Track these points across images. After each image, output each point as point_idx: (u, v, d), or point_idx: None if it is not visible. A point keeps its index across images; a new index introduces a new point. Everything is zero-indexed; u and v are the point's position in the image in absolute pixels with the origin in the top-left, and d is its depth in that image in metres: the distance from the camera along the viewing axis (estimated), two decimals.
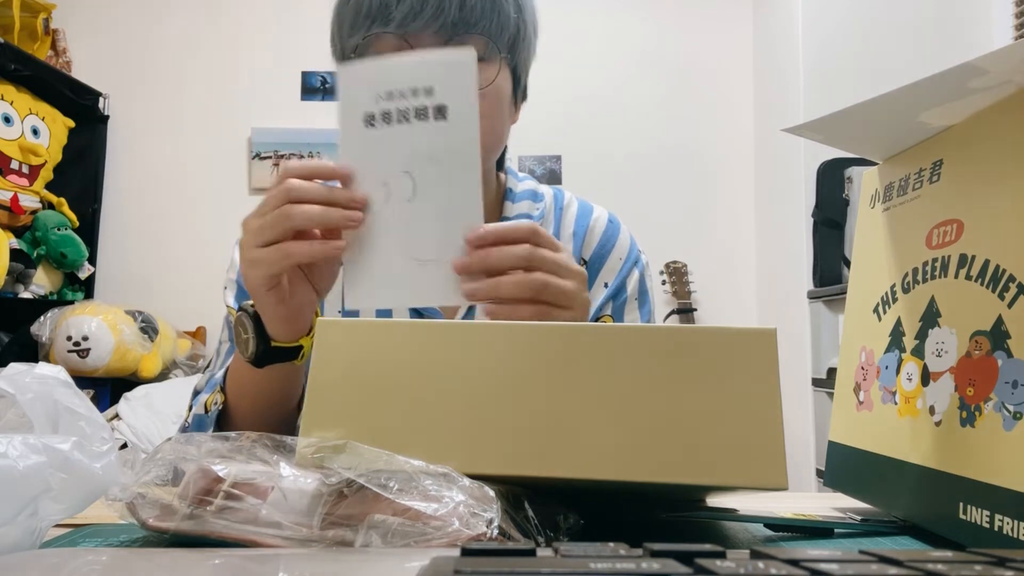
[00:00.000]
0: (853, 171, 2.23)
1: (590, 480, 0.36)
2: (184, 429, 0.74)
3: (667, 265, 2.77)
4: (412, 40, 0.66)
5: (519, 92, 0.77)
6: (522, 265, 0.55)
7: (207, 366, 0.82)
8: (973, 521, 0.39)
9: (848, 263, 2.17)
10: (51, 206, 2.62)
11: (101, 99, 2.87)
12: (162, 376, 2.55)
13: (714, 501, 0.52)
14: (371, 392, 0.38)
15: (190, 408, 0.76)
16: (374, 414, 0.38)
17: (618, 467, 0.36)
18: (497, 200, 0.83)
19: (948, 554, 0.19)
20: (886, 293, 0.50)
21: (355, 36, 0.68)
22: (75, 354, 2.27)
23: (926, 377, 0.44)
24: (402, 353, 0.39)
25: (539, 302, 0.55)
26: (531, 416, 0.37)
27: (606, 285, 0.83)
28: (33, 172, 2.53)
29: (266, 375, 0.65)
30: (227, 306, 0.78)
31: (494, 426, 0.37)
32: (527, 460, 0.36)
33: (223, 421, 0.71)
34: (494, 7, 0.68)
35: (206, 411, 0.71)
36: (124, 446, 2.09)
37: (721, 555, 0.18)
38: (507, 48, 0.71)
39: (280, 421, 0.71)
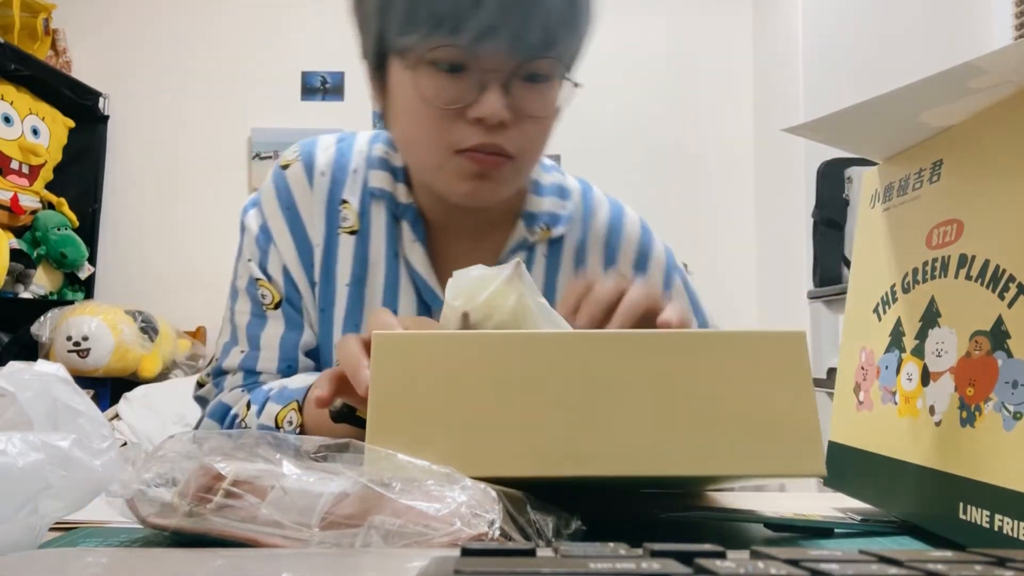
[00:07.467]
0: (853, 171, 2.23)
1: (642, 477, 0.39)
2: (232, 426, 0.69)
3: None
4: (482, 59, 0.60)
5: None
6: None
7: (210, 362, 0.78)
8: (973, 521, 0.39)
9: (848, 263, 2.17)
10: (51, 206, 2.62)
11: (101, 99, 2.87)
12: (162, 376, 2.55)
13: (716, 501, 0.52)
14: (432, 403, 0.39)
15: (205, 405, 0.73)
16: (437, 424, 0.39)
17: (667, 463, 0.38)
18: (520, 192, 0.76)
19: (948, 554, 0.19)
20: (886, 293, 0.50)
21: (410, 37, 0.59)
22: (75, 354, 2.27)
23: (926, 377, 0.44)
24: (458, 363, 0.40)
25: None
26: (583, 419, 0.39)
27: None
28: (33, 172, 2.53)
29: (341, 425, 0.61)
30: (256, 279, 0.73)
31: (551, 430, 0.39)
32: (586, 461, 0.38)
33: None
34: (570, 28, 0.62)
35: (277, 426, 0.65)
36: (124, 446, 2.08)
37: (721, 555, 0.18)
38: (571, 66, 0.67)
39: None
